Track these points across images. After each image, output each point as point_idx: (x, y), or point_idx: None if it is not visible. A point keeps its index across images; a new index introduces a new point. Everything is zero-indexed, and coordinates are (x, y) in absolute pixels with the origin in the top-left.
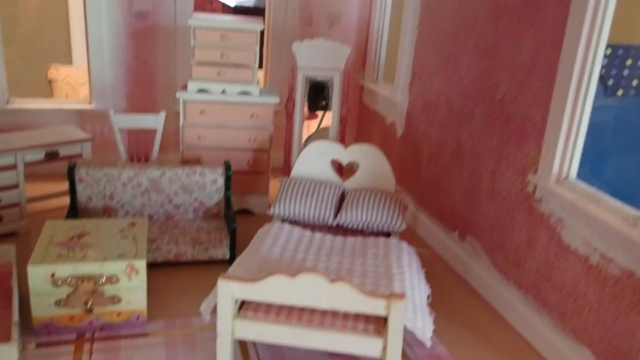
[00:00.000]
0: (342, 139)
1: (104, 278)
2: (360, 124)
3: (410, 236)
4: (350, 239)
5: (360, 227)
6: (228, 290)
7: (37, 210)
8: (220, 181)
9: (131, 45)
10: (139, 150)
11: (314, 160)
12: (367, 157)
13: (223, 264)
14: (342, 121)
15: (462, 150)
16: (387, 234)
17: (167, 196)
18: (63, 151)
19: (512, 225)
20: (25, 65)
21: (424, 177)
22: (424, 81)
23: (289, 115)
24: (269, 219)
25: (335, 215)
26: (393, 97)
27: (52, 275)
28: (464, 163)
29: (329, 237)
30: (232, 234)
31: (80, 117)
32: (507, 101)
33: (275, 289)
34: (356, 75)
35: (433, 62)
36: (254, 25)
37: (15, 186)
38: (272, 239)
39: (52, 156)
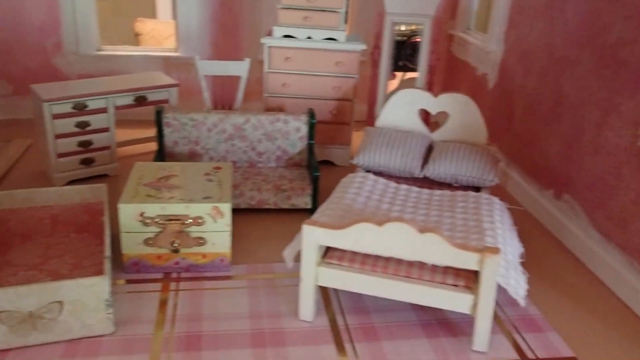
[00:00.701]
0: (430, 89)
1: (190, 219)
2: (447, 76)
3: (499, 193)
4: (438, 192)
5: (448, 180)
6: (312, 236)
7: (125, 154)
8: (304, 129)
9: None
10: (223, 97)
11: (401, 109)
12: (458, 107)
13: (305, 213)
14: (431, 70)
15: (562, 102)
16: (477, 189)
17: (250, 143)
18: (151, 96)
19: (619, 182)
20: (113, 19)
21: (517, 131)
22: (522, 28)
23: (375, 64)
24: (351, 170)
25: (422, 167)
26: (486, 46)
27: (142, 214)
28: (563, 115)
29: (415, 189)
30: (315, 183)
31: (167, 64)
32: (620, 46)
33: (361, 237)
34: (445, 24)
35: (534, 5)
36: None
37: (106, 129)
38: (356, 188)
39: (140, 101)
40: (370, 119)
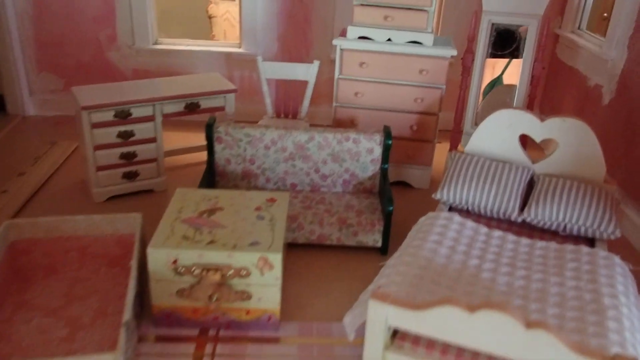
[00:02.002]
0: (531, 103)
1: (232, 270)
2: (549, 83)
3: (618, 244)
4: (541, 244)
5: (553, 227)
6: (381, 315)
7: (174, 164)
8: (378, 151)
9: None
10: (287, 103)
11: (497, 132)
12: (570, 135)
13: (374, 252)
14: (534, 82)
15: None
16: (589, 239)
17: (314, 164)
18: (204, 103)
19: None
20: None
21: (638, 157)
22: None
23: (466, 70)
24: (430, 196)
25: (522, 208)
26: (603, 52)
27: (175, 261)
28: None
29: (511, 238)
30: (387, 218)
31: (229, 60)
32: None
33: (445, 323)
34: (551, 21)
35: None
36: None
37: (153, 140)
38: (437, 234)
39: (192, 108)
40: (455, 135)
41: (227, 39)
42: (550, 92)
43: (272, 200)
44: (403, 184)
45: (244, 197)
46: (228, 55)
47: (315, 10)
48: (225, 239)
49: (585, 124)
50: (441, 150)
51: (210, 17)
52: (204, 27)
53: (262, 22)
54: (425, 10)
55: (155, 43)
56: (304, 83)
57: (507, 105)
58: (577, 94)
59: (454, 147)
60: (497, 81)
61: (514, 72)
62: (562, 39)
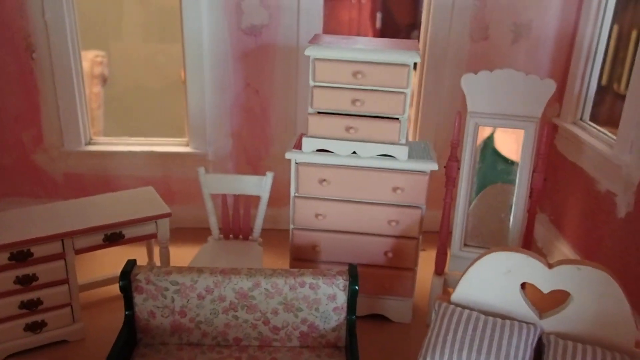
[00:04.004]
0: (530, 225)
1: None
2: (549, 181)
3: None
4: None
5: None
6: None
7: (96, 298)
8: (341, 298)
9: (239, 68)
10: (237, 221)
11: (492, 279)
12: (587, 286)
13: None
14: (534, 195)
15: None
16: None
17: (262, 315)
18: (130, 232)
19: None
20: (161, 65)
21: None
22: None
23: (450, 182)
24: (412, 332)
25: None
26: (614, 155)
27: None
28: None
29: None
30: None
31: (175, 160)
32: None
33: None
34: (547, 108)
35: None
36: (405, 55)
37: (64, 282)
38: None
39: (114, 239)
40: (441, 257)
41: None
42: (551, 193)
43: None
44: (379, 317)
45: None
46: (173, 155)
47: (274, 102)
48: None
49: (606, 273)
50: (427, 261)
51: (184, 82)
52: (179, 92)
53: (213, 117)
54: (396, 119)
55: (89, 143)
56: (256, 198)
57: (503, 223)
58: (584, 198)
59: (439, 271)
60: (487, 143)
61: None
62: (562, 130)
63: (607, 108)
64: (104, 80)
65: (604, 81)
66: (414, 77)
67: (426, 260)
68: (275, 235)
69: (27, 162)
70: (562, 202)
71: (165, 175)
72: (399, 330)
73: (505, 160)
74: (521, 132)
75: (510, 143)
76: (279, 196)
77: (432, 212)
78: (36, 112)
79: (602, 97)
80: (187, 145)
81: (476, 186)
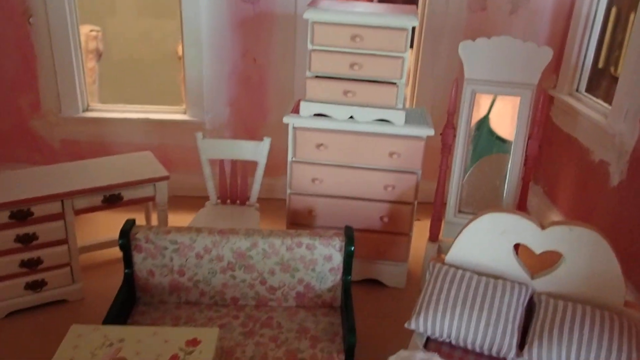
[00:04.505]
0: (524, 192)
1: None
2: (544, 152)
3: None
4: None
5: None
6: None
7: (95, 260)
8: (337, 258)
9: (237, 37)
10: (234, 186)
11: (485, 240)
12: (579, 246)
13: None
14: (528, 163)
15: None
16: None
17: (259, 275)
18: (128, 194)
19: None
20: (156, 41)
21: None
22: None
23: (446, 148)
24: (406, 297)
25: (520, 345)
26: (608, 125)
27: None
28: None
29: None
30: (349, 353)
31: (172, 128)
32: None
33: None
34: (544, 80)
35: None
36: (403, 19)
37: (63, 242)
38: None
39: (112, 201)
40: (436, 224)
41: None
42: (545, 164)
43: (195, 342)
44: (374, 282)
45: (158, 338)
46: (170, 122)
47: (272, 72)
48: None
49: (598, 233)
50: (421, 230)
51: (180, 59)
52: (175, 66)
53: (211, 86)
54: (393, 84)
55: (86, 110)
56: (254, 163)
57: (497, 190)
58: (578, 169)
59: (434, 237)
60: (483, 123)
61: (503, 109)
62: (558, 101)
63: (605, 78)
64: (98, 55)
65: (603, 52)
66: (411, 53)
67: (421, 230)
68: (272, 203)
69: (24, 128)
70: (556, 174)
71: (162, 143)
72: (393, 294)
73: (501, 140)
74: (516, 113)
75: (506, 126)
76: (275, 166)
77: (427, 184)
78: (33, 78)
79: (598, 68)
80: (185, 113)
81: (471, 157)
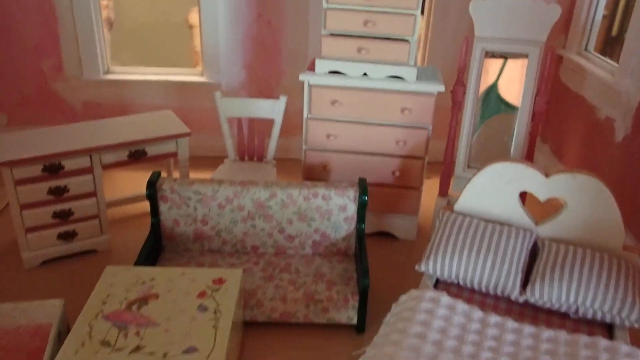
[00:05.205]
0: (532, 143)
1: None
2: (552, 111)
3: None
4: (548, 334)
5: (563, 309)
6: None
7: (122, 215)
8: (352, 208)
9: None
10: (252, 143)
11: (493, 188)
12: (581, 193)
13: (348, 331)
14: (536, 119)
15: None
16: (607, 326)
17: (277, 224)
18: (152, 150)
19: None
20: (166, 8)
21: None
22: None
23: (457, 105)
24: (416, 249)
25: (524, 284)
26: (615, 81)
27: None
28: None
29: (511, 326)
30: (363, 294)
31: (189, 90)
32: None
33: None
34: (553, 40)
35: None
36: None
37: (92, 194)
38: (421, 325)
39: (137, 156)
40: (446, 179)
41: None
42: (553, 123)
43: (220, 281)
44: (386, 235)
45: (186, 278)
46: (188, 84)
47: (287, 34)
48: (154, 344)
49: (599, 181)
50: (431, 188)
51: (191, 27)
52: (185, 34)
53: (226, 48)
54: (406, 41)
55: (107, 72)
56: (270, 121)
57: (505, 145)
58: (584, 125)
59: (443, 192)
60: (491, 89)
61: (512, 75)
62: (567, 61)
63: (613, 37)
64: (110, 24)
65: (611, 12)
66: (425, 6)
67: (431, 188)
68: (287, 163)
69: (47, 91)
70: (563, 132)
71: (181, 104)
72: (405, 246)
73: (510, 106)
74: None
75: (514, 92)
76: (290, 126)
77: (437, 143)
78: (55, 41)
79: (607, 27)
80: (202, 75)
81: (480, 118)
